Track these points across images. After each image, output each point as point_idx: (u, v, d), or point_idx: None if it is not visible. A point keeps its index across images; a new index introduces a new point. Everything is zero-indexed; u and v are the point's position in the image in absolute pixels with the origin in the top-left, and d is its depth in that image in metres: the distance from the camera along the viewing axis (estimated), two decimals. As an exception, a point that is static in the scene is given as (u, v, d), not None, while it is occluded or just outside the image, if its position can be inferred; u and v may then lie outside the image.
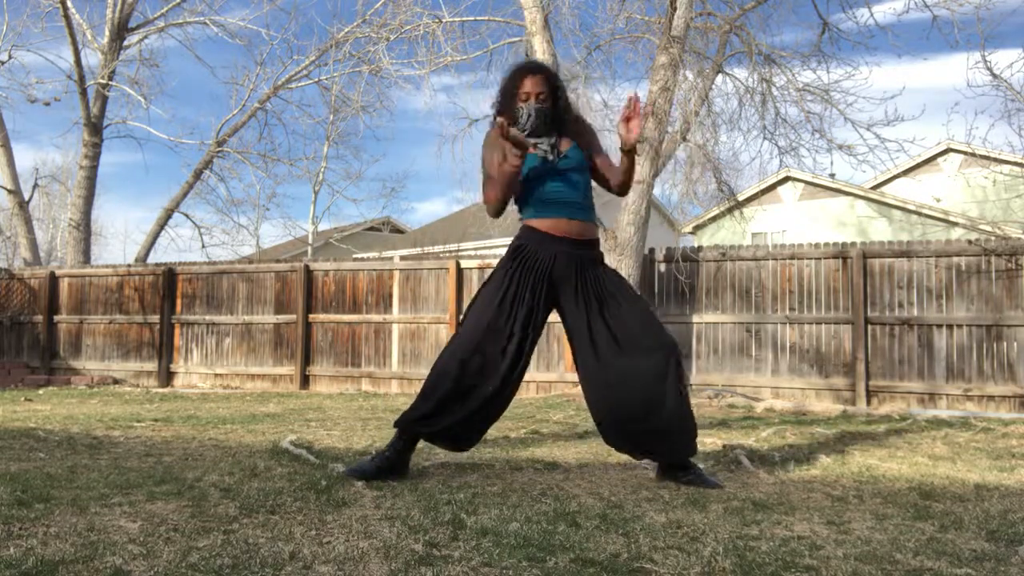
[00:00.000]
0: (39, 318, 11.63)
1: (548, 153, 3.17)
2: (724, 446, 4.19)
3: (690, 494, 2.97)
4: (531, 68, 3.27)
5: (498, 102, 3.29)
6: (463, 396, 3.16)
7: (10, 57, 15.14)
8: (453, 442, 3.32)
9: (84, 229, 14.68)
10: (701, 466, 3.45)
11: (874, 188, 17.86)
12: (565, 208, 3.20)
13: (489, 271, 9.57)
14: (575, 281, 3.21)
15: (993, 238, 8.40)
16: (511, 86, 3.22)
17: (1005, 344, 7.70)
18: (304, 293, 10.31)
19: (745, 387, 8.43)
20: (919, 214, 16.34)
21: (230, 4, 35.55)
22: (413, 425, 3.23)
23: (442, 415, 3.17)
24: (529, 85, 3.17)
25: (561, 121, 3.25)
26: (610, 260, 8.34)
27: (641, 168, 8.44)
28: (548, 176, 3.19)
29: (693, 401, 7.59)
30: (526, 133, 3.11)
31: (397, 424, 3.27)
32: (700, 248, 9.20)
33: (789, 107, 8.88)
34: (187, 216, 16.47)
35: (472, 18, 9.66)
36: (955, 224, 15.31)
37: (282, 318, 10.46)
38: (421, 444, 3.43)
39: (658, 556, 2.11)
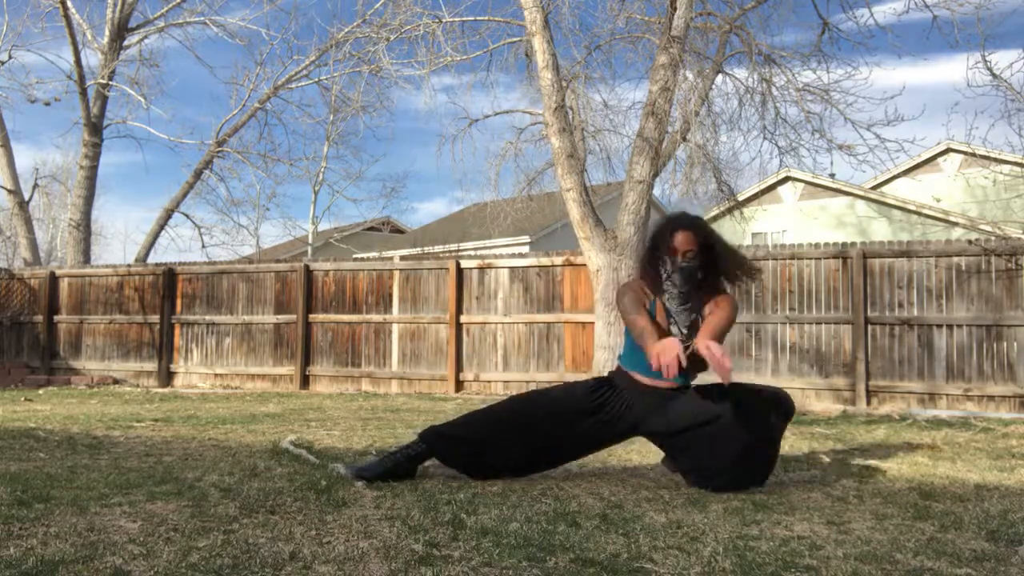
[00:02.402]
0: (39, 318, 11.62)
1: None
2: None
3: (690, 494, 2.97)
4: (683, 225, 3.19)
5: (651, 245, 3.27)
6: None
7: (10, 57, 15.15)
8: (468, 471, 3.34)
9: (84, 229, 14.68)
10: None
11: (874, 188, 17.85)
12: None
13: (489, 271, 9.61)
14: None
15: (993, 238, 8.39)
16: (663, 238, 3.18)
17: (1005, 344, 7.69)
18: (304, 293, 10.30)
19: (745, 387, 8.42)
20: (919, 214, 16.34)
21: (230, 4, 35.53)
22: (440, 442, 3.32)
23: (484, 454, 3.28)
24: (680, 241, 3.13)
25: (707, 279, 3.20)
26: (610, 260, 8.34)
27: (641, 168, 8.44)
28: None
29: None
30: (672, 292, 3.13)
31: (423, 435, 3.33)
32: (700, 248, 9.18)
33: (789, 107, 8.87)
34: (187, 216, 16.47)
35: (472, 18, 9.66)
36: (955, 224, 15.31)
37: (282, 318, 10.45)
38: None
39: (658, 556, 2.11)
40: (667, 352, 2.90)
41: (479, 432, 3.28)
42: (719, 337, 3.04)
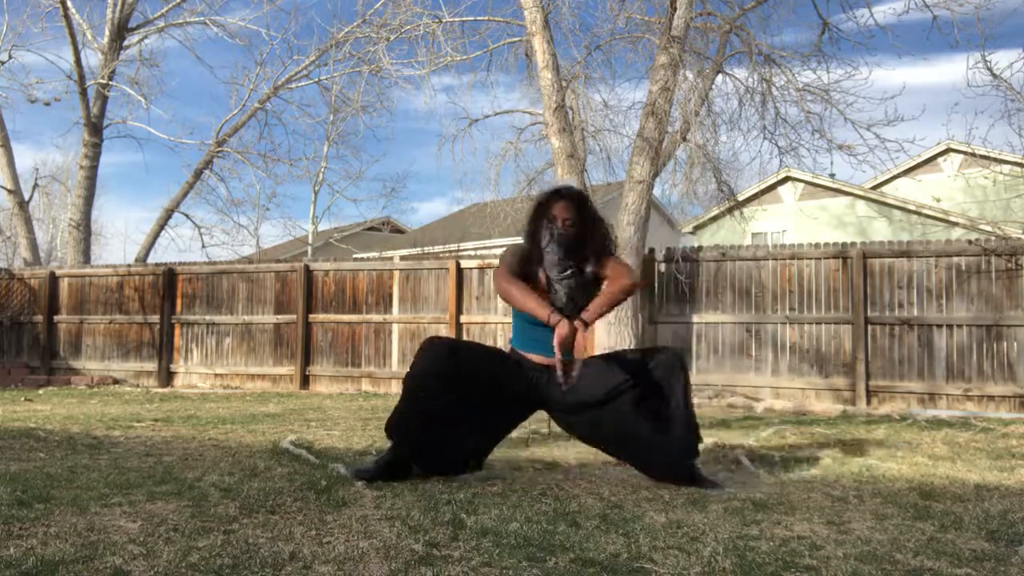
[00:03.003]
0: (39, 318, 11.62)
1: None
2: (724, 446, 4.19)
3: (690, 494, 2.97)
4: (559, 193, 3.27)
5: (530, 219, 3.30)
6: None
7: (10, 57, 15.14)
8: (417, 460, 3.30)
9: (84, 229, 14.68)
10: (701, 466, 3.45)
11: (874, 188, 17.85)
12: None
13: (489, 271, 9.60)
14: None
15: (993, 238, 8.39)
16: (542, 207, 3.24)
17: (1005, 344, 7.69)
18: (304, 293, 10.30)
19: (745, 387, 8.42)
20: (919, 214, 16.34)
21: (230, 4, 35.53)
22: None
23: None
24: (559, 210, 3.19)
25: (584, 246, 3.22)
26: (610, 260, 8.34)
27: (641, 168, 8.44)
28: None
29: (694, 401, 7.61)
30: (553, 261, 3.15)
31: None
32: (700, 248, 9.20)
33: (789, 107, 8.87)
34: (187, 216, 16.47)
35: (472, 18, 9.66)
36: (955, 224, 15.30)
37: (282, 318, 10.45)
38: None
39: (658, 556, 2.11)
40: (563, 326, 2.97)
41: (400, 407, 3.21)
42: (601, 312, 3.11)
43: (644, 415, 3.15)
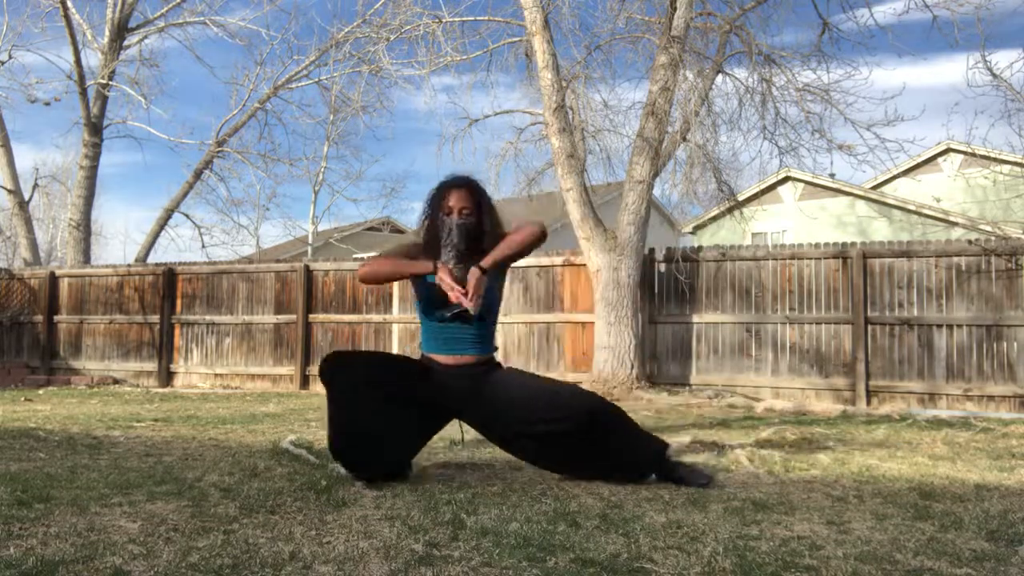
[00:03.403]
0: (39, 318, 11.62)
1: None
2: (724, 446, 4.19)
3: (690, 494, 2.97)
4: (452, 184, 3.23)
5: (425, 211, 3.27)
6: None
7: (10, 57, 15.15)
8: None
9: (84, 229, 14.68)
10: (701, 465, 3.45)
11: (874, 188, 17.85)
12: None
13: (489, 271, 9.60)
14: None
15: (993, 238, 8.39)
16: (436, 200, 3.21)
17: (1005, 344, 7.69)
18: (304, 293, 10.30)
19: (745, 387, 8.42)
20: (919, 214, 16.34)
21: (230, 4, 35.52)
22: None
23: None
24: (454, 199, 3.16)
25: (482, 237, 3.18)
26: (610, 260, 8.34)
27: (641, 168, 8.44)
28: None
29: (693, 401, 7.61)
30: (449, 250, 3.10)
31: None
32: (700, 248, 9.19)
33: (789, 107, 8.88)
34: (187, 216, 16.48)
35: (472, 18, 9.66)
36: (955, 224, 15.30)
37: (282, 318, 10.46)
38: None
39: (658, 556, 2.11)
40: (441, 271, 2.97)
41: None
42: (497, 257, 3.05)
43: (580, 450, 3.14)
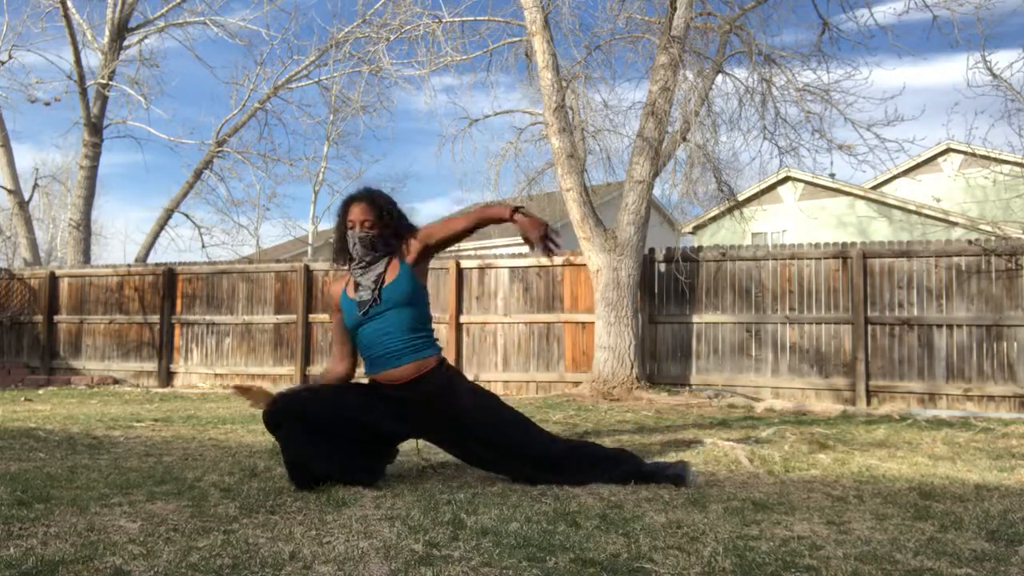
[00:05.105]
0: (39, 318, 11.62)
1: (367, 303, 3.20)
2: (723, 445, 4.19)
3: (690, 494, 2.97)
4: (354, 197, 3.35)
5: (336, 223, 3.43)
6: None
7: (10, 57, 15.13)
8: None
9: (84, 229, 14.68)
10: (699, 468, 3.45)
11: (874, 188, 17.85)
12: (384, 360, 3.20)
13: (489, 271, 9.61)
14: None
15: (993, 238, 8.39)
16: (341, 216, 3.34)
17: (1005, 344, 7.69)
18: (304, 293, 10.30)
19: (745, 387, 8.42)
20: (919, 214, 16.34)
21: (230, 4, 35.55)
22: None
23: None
24: (355, 213, 3.28)
25: (391, 243, 3.28)
26: (610, 260, 8.34)
27: (641, 168, 8.44)
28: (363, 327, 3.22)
29: (693, 401, 7.60)
30: (355, 260, 3.27)
31: None
32: (700, 248, 9.19)
33: (789, 107, 8.88)
34: (187, 216, 16.48)
35: (472, 18, 9.66)
36: (955, 224, 15.31)
37: (282, 318, 10.46)
38: (410, 447, 3.46)
39: (658, 556, 2.11)
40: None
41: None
42: (443, 237, 3.31)
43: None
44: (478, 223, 3.29)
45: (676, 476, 3.11)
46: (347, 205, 3.32)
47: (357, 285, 3.26)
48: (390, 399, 3.16)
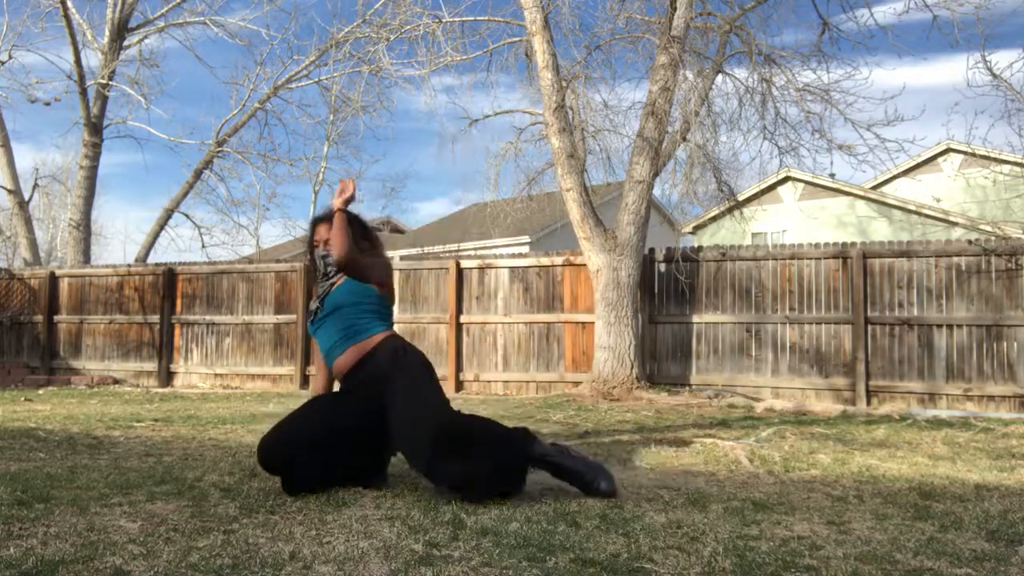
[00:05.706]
0: (39, 318, 11.62)
1: (313, 312, 3.38)
2: (724, 446, 4.19)
3: (690, 494, 2.97)
4: (319, 218, 3.53)
5: (307, 251, 3.59)
6: None
7: (10, 57, 15.13)
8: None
9: (84, 229, 14.68)
10: (700, 468, 3.45)
11: (874, 188, 17.85)
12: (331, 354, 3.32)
13: (489, 271, 9.61)
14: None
15: (993, 238, 8.39)
16: (309, 237, 3.54)
17: (1005, 344, 7.69)
18: (304, 293, 10.30)
19: (745, 387, 8.42)
20: (919, 214, 16.34)
21: (230, 4, 35.57)
22: None
23: None
24: (321, 233, 3.45)
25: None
26: (610, 260, 8.34)
27: (641, 168, 8.44)
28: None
29: (693, 401, 7.60)
30: (321, 276, 3.43)
31: None
32: (700, 248, 9.19)
33: (789, 107, 8.88)
34: (187, 216, 16.46)
35: (472, 18, 9.66)
36: (955, 224, 15.31)
37: (282, 318, 10.46)
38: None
39: (658, 556, 2.11)
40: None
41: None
42: (353, 266, 3.29)
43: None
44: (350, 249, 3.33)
45: (591, 482, 2.92)
46: (314, 226, 3.52)
47: (319, 292, 3.43)
48: (352, 392, 3.22)
